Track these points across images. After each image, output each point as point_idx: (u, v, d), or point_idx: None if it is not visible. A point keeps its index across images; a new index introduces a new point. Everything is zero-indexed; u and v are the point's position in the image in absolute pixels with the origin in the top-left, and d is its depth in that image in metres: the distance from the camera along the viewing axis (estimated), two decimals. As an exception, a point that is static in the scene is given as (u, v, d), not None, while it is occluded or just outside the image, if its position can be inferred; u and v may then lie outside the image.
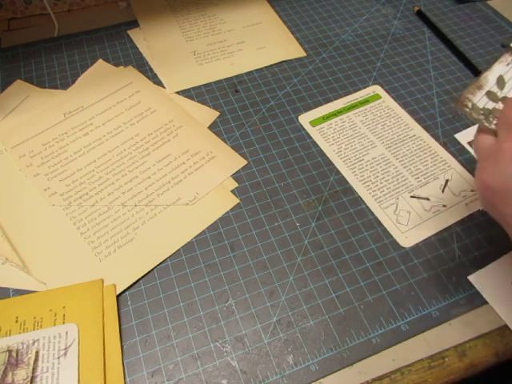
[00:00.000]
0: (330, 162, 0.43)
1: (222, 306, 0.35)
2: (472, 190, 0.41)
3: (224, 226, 0.39)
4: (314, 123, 0.46)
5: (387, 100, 0.48)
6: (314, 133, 0.46)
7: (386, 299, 0.35)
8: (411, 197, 0.41)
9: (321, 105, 0.48)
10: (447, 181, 0.41)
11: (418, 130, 0.46)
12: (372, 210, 0.40)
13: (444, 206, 0.40)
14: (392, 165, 0.43)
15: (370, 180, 0.42)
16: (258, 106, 0.48)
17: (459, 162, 0.43)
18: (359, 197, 0.41)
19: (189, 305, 0.35)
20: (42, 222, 0.39)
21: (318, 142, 0.45)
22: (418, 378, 0.32)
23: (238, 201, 0.41)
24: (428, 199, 0.40)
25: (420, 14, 0.58)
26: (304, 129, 0.46)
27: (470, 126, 0.46)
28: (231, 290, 0.36)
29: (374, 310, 0.35)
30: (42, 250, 0.37)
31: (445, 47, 0.54)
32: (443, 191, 0.41)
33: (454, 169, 0.43)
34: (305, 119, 0.47)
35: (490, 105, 0.30)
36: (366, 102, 0.48)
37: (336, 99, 0.49)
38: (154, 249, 0.37)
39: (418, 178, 0.42)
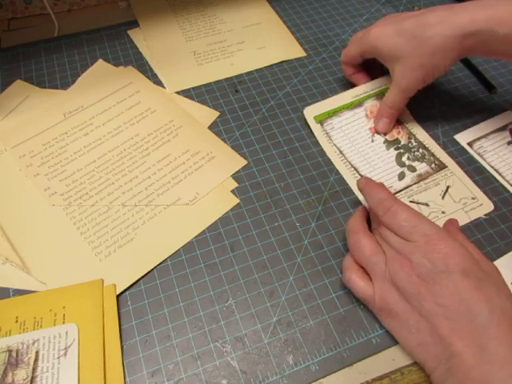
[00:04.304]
0: (330, 162, 0.43)
1: (222, 305, 0.35)
2: (473, 198, 0.40)
3: (224, 226, 0.39)
4: (318, 118, 0.46)
5: None
6: (316, 128, 0.45)
7: (385, 299, 0.35)
8: (410, 201, 0.40)
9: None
10: (448, 187, 0.41)
11: (421, 135, 0.45)
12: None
13: (443, 212, 0.39)
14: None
15: None
16: (257, 106, 0.48)
17: (461, 167, 0.42)
18: (359, 197, 0.41)
19: (189, 305, 0.35)
20: (41, 222, 0.39)
21: (318, 137, 0.44)
22: (418, 377, 0.32)
23: (237, 201, 0.41)
24: (427, 205, 0.40)
25: (420, 14, 0.58)
26: (304, 129, 0.46)
27: (470, 127, 0.46)
28: (231, 290, 0.36)
29: (374, 310, 0.35)
30: (42, 250, 0.37)
31: (445, 47, 0.54)
32: (443, 198, 0.40)
33: (456, 175, 0.42)
34: (310, 112, 0.46)
35: None
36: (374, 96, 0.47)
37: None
38: (154, 249, 0.37)
39: (418, 182, 0.41)
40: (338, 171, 0.43)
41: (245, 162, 0.43)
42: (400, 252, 0.31)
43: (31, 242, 0.38)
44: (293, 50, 0.54)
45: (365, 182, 0.36)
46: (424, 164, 0.42)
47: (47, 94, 0.49)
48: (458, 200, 0.40)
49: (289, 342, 0.33)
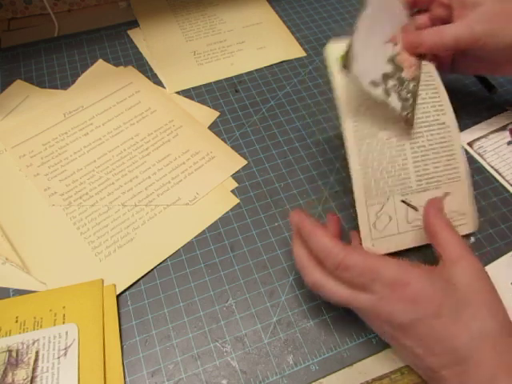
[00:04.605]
0: (330, 162, 0.43)
1: (221, 305, 0.35)
2: (463, 214, 0.36)
3: (224, 226, 0.39)
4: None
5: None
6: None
7: (385, 299, 0.35)
8: (401, 201, 0.35)
9: (321, 105, 0.48)
10: (446, 194, 0.35)
11: (450, 116, 0.36)
12: (356, 202, 0.34)
13: None
14: (403, 154, 0.35)
15: (372, 166, 0.34)
16: (257, 106, 0.48)
17: (471, 175, 0.38)
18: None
19: (189, 305, 0.35)
20: (41, 222, 0.39)
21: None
22: (418, 377, 0.32)
23: (237, 201, 0.41)
24: (416, 209, 0.35)
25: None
26: (305, 129, 0.46)
27: (470, 127, 0.46)
28: (231, 290, 0.36)
29: (374, 310, 0.35)
30: (42, 250, 0.37)
31: (445, 47, 0.54)
32: None
33: (462, 181, 0.36)
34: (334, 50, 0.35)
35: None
36: None
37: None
38: (154, 249, 0.37)
39: (420, 180, 0.35)
40: (338, 171, 0.42)
41: (245, 162, 0.43)
42: (365, 308, 0.29)
43: (31, 242, 0.38)
44: (293, 50, 0.54)
45: (298, 219, 0.31)
46: (398, 103, 0.34)
47: (47, 93, 0.49)
48: (448, 212, 0.34)
49: (289, 341, 0.33)
